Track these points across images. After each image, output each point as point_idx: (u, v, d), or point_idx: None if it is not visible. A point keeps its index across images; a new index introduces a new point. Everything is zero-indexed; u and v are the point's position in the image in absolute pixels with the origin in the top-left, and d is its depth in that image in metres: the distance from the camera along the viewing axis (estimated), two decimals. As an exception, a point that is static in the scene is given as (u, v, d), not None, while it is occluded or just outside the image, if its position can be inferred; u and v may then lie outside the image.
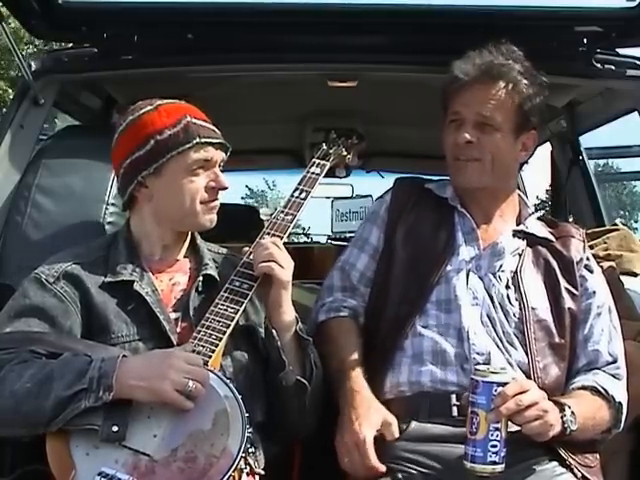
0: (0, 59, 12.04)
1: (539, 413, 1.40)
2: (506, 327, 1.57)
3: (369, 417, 1.47)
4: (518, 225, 1.71)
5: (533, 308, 1.60)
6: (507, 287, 1.61)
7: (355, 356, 1.58)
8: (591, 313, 1.65)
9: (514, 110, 1.63)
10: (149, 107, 1.56)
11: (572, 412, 1.46)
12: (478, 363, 1.49)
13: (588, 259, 1.71)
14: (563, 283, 1.65)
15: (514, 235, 1.68)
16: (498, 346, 1.56)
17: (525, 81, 1.64)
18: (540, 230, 1.71)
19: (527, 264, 1.65)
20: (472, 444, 1.37)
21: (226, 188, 1.57)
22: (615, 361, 1.63)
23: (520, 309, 1.59)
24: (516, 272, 1.63)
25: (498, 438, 1.35)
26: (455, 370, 1.53)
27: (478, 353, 1.53)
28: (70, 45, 2.27)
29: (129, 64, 2.14)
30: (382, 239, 1.72)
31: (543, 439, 1.43)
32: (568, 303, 1.63)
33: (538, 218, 1.76)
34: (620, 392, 1.60)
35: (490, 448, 1.35)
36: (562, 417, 1.45)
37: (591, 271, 1.70)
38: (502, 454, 1.36)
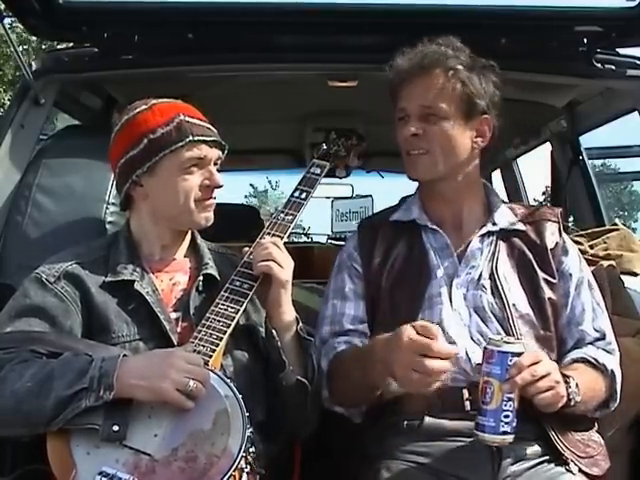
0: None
1: (552, 384, 1.39)
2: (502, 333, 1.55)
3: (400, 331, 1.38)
4: (490, 215, 1.67)
5: (514, 304, 1.58)
6: (492, 294, 1.58)
7: (365, 347, 1.54)
8: (570, 295, 1.62)
9: (457, 96, 1.61)
10: (144, 106, 1.57)
11: (576, 384, 1.46)
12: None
13: (564, 242, 1.68)
14: (540, 274, 1.62)
15: (484, 235, 1.65)
16: None
17: (462, 66, 1.61)
18: (510, 220, 1.68)
19: (502, 259, 1.62)
20: (484, 414, 1.37)
21: (221, 186, 1.57)
22: (604, 337, 1.61)
23: (502, 308, 1.57)
24: (492, 272, 1.60)
25: (511, 408, 1.35)
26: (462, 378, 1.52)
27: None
28: (71, 45, 2.27)
29: (129, 64, 2.14)
30: (358, 282, 1.67)
31: (552, 410, 1.43)
32: (547, 293, 1.60)
33: (508, 206, 1.73)
34: (612, 363, 1.58)
35: (503, 418, 1.35)
36: (567, 389, 1.44)
37: (566, 253, 1.66)
38: (514, 424, 1.36)
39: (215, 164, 1.58)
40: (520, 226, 1.68)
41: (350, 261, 1.70)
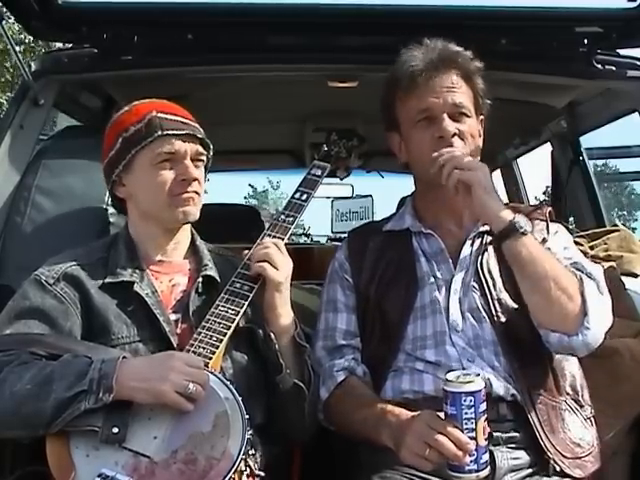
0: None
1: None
2: (494, 336, 1.53)
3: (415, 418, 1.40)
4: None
5: (498, 299, 1.55)
6: (482, 293, 1.56)
7: (370, 409, 1.50)
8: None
9: (473, 94, 1.62)
10: (126, 108, 1.60)
11: (527, 221, 1.46)
12: (451, 370, 1.40)
13: (554, 232, 1.64)
14: None
15: (475, 236, 1.64)
16: (489, 361, 1.53)
17: (473, 64, 1.62)
18: None
19: (488, 257, 1.60)
20: None
21: (195, 179, 1.55)
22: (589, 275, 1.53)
23: (487, 304, 1.55)
24: (477, 269, 1.58)
25: (474, 447, 1.31)
26: None
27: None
28: (70, 45, 2.27)
29: (129, 64, 2.14)
30: (350, 294, 1.67)
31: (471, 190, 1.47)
32: None
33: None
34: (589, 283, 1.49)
35: (467, 457, 1.31)
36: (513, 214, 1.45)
37: (554, 239, 1.63)
38: (481, 461, 1.32)
39: (195, 159, 1.56)
40: None
41: (342, 272, 1.70)
